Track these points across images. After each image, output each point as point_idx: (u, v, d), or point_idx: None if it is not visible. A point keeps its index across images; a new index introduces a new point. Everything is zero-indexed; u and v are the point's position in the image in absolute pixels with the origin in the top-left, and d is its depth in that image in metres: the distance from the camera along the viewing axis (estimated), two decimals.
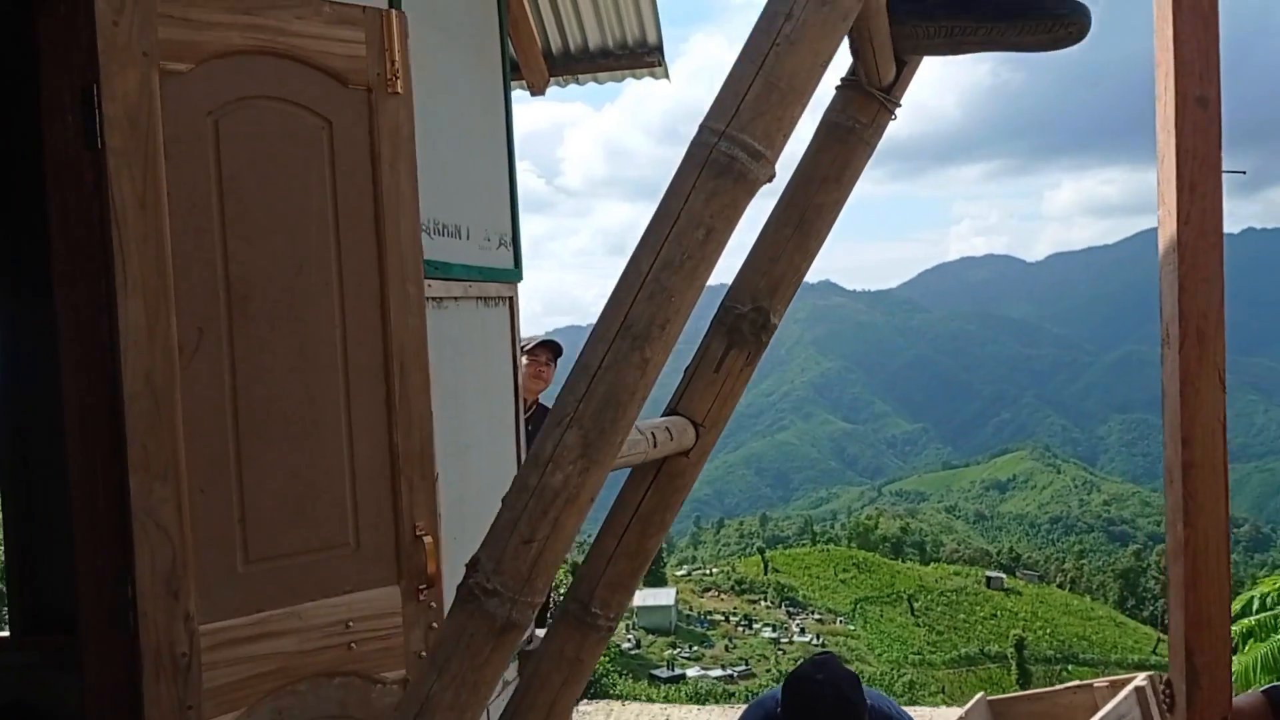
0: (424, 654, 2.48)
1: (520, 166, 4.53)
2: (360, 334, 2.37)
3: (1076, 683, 4.56)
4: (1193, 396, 2.84)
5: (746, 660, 55.65)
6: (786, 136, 1.09)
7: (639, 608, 60.85)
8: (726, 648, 58.02)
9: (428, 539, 2.55)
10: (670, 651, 56.58)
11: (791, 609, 66.07)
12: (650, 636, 58.88)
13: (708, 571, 74.10)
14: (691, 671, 52.89)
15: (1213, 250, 2.87)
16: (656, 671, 51.83)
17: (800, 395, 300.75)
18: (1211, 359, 2.86)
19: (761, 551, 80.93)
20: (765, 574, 71.40)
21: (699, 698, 38.01)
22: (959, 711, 4.68)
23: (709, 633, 60.16)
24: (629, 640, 56.66)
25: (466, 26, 3.96)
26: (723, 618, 62.50)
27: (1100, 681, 4.49)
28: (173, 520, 2.09)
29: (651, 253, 1.05)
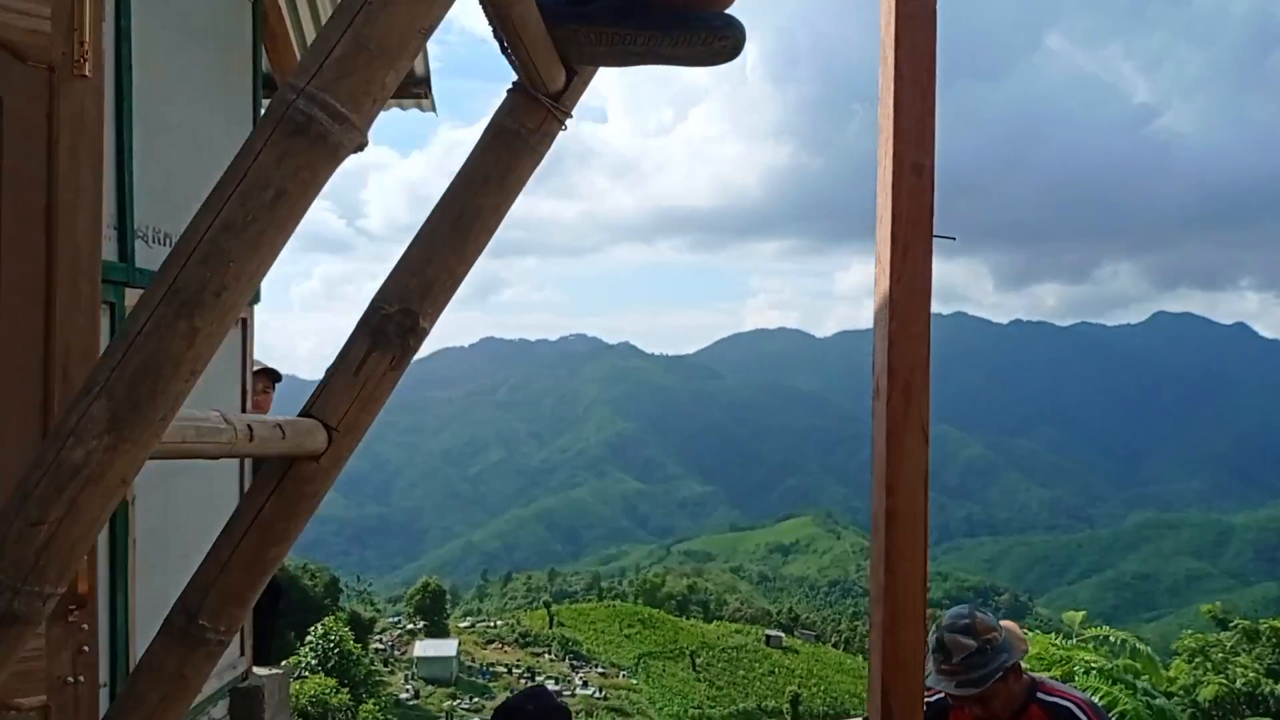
0: (70, 679, 2.25)
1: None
2: (16, 332, 2.16)
3: None
4: (898, 447, 2.95)
5: None
6: (377, 102, 1.03)
7: (419, 658, 59.28)
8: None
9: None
10: (450, 703, 55.19)
11: (576, 662, 65.70)
12: (430, 687, 57.29)
13: (492, 624, 72.88)
14: None
15: (921, 309, 3.00)
16: None
17: (595, 454, 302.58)
18: (917, 412, 2.99)
19: (548, 605, 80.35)
20: (551, 627, 70.88)
21: None
22: None
23: (491, 684, 58.99)
24: (407, 690, 55.00)
25: (212, 33, 3.80)
26: (506, 669, 61.47)
27: None
28: None
29: (211, 213, 0.97)
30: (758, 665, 69.85)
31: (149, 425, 0.92)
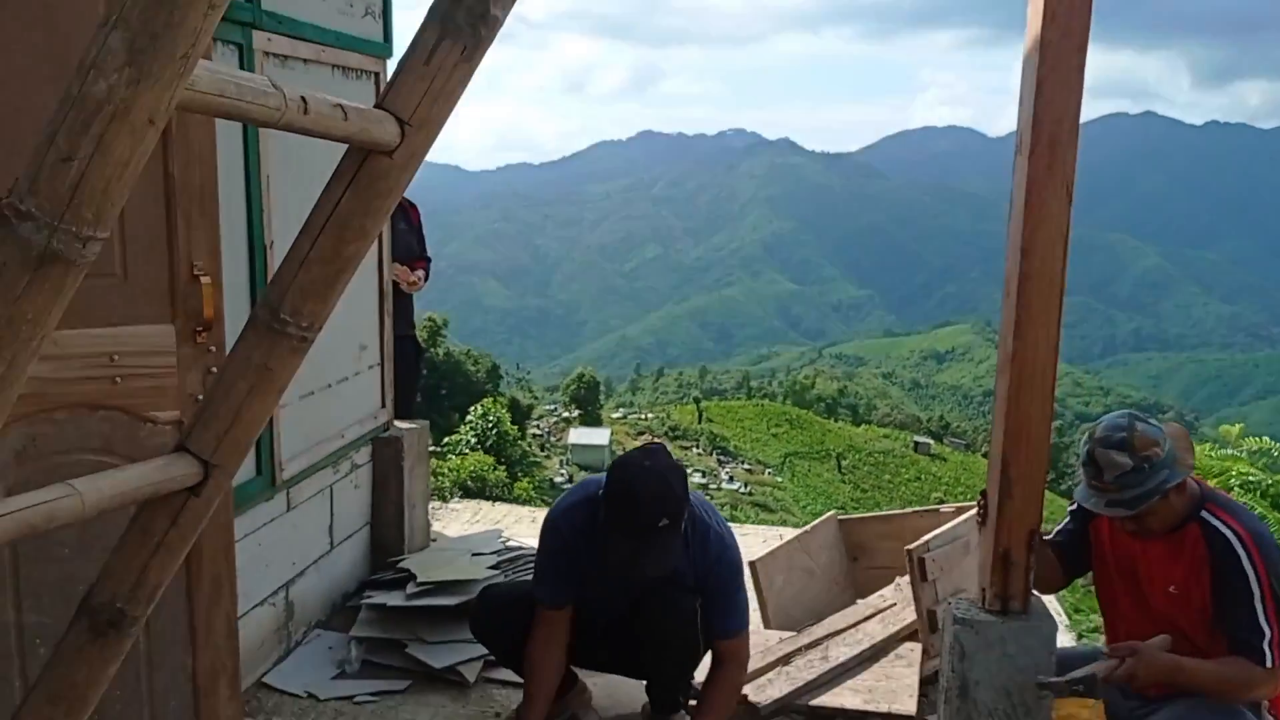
0: (200, 397, 2.37)
1: None
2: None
3: (924, 508, 4.64)
4: (1037, 206, 2.76)
5: None
6: None
7: (573, 445, 61.88)
8: None
9: (205, 280, 2.42)
10: None
11: (722, 457, 67.51)
12: (583, 474, 59.93)
13: (643, 416, 75.21)
14: None
15: (1075, 54, 2.74)
16: None
17: (749, 253, 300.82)
18: (1061, 169, 2.77)
19: (697, 401, 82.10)
20: (700, 422, 72.64)
21: None
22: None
23: None
24: (561, 474, 57.74)
25: None
26: None
27: (947, 507, 4.57)
28: None
29: None
30: (904, 470, 70.34)
31: (169, 60, 0.88)
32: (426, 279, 5.58)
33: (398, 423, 4.94)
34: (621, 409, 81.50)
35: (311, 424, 4.13)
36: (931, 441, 78.11)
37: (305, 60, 3.36)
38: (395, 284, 5.12)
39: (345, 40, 3.66)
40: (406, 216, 5.42)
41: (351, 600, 4.49)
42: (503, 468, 24.76)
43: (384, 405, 4.81)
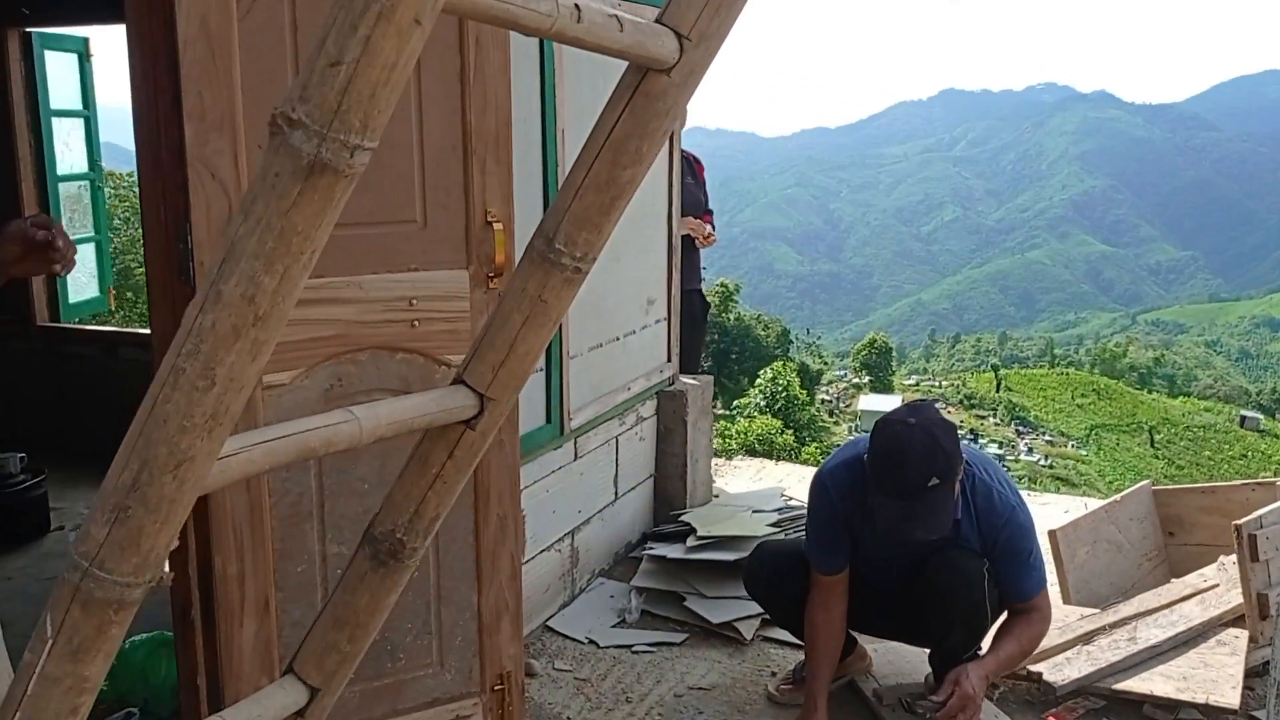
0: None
1: None
2: None
3: (1256, 480, 4.14)
4: None
5: None
6: None
7: (863, 411, 61.01)
8: None
9: (498, 226, 2.46)
10: None
11: (1021, 428, 64.43)
12: None
13: (937, 384, 72.95)
14: None
15: None
16: None
17: (1057, 213, 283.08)
18: None
19: (995, 369, 78.59)
20: (997, 391, 69.59)
21: None
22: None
23: None
24: (850, 435, 57.10)
25: None
26: None
27: None
28: (229, 173, 2.08)
29: None
30: (1227, 447, 64.31)
31: None
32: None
33: (683, 377, 4.96)
34: (914, 375, 79.39)
35: (599, 375, 4.21)
36: (1261, 416, 70.91)
37: None
38: (685, 238, 5.13)
39: None
40: (693, 170, 5.40)
41: (634, 550, 4.57)
42: (790, 432, 24.73)
43: (669, 359, 4.84)
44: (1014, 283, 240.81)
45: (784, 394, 31.55)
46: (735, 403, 29.07)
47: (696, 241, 5.32)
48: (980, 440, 59.69)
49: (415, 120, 2.43)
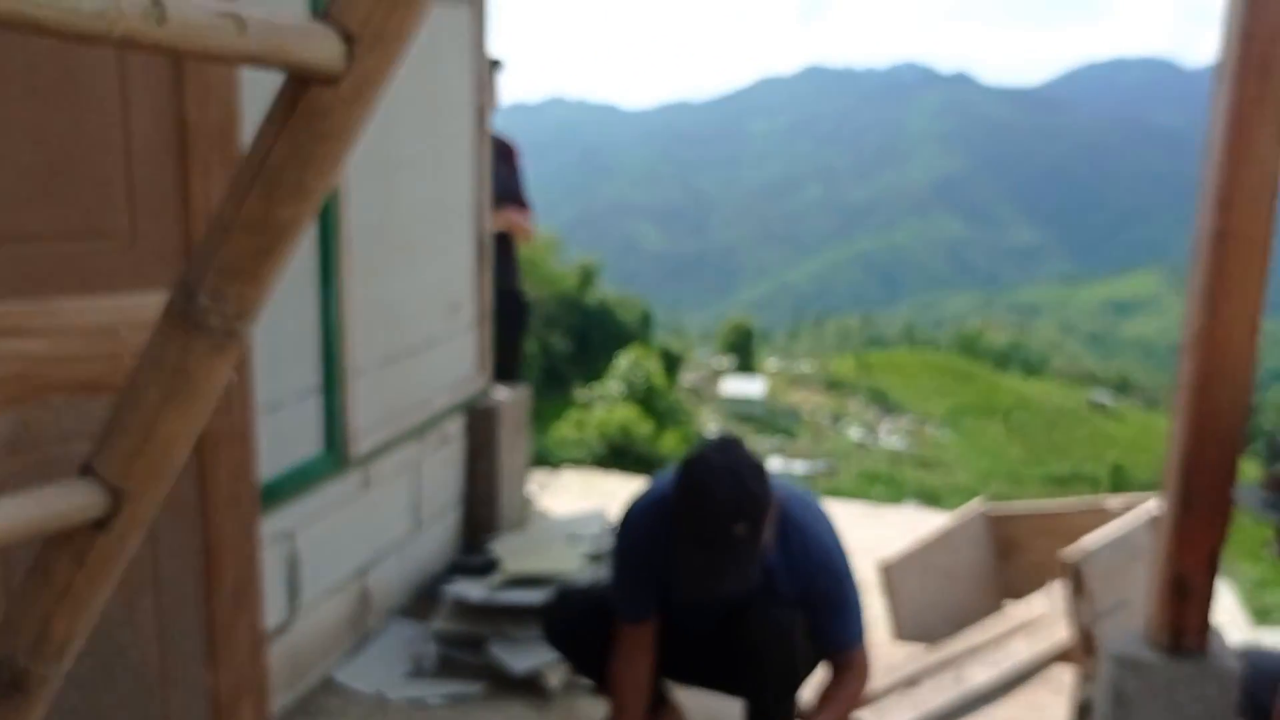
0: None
1: None
2: None
3: (1087, 503, 3.99)
4: (1241, 146, 2.10)
5: (832, 456, 55.94)
6: None
7: (727, 396, 61.57)
8: (812, 442, 58.32)
9: None
10: (754, 440, 57.17)
11: (883, 411, 65.89)
12: (735, 426, 59.45)
13: (801, 366, 74.01)
14: (774, 463, 53.54)
15: None
16: None
17: (919, 194, 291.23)
18: (1273, 100, 2.09)
19: (858, 351, 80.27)
20: (860, 374, 71.03)
21: None
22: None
23: (795, 426, 60.45)
24: (712, 427, 57.45)
25: None
26: (810, 413, 62.60)
27: (1114, 501, 3.93)
28: None
29: None
30: (1079, 429, 67.01)
31: None
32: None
33: (499, 388, 4.55)
34: (778, 358, 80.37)
35: (393, 392, 3.77)
36: (1110, 399, 74.21)
37: None
38: (501, 235, 4.70)
39: None
40: (505, 159, 4.89)
41: (442, 581, 4.15)
42: (651, 419, 24.55)
43: (481, 370, 4.42)
44: (877, 263, 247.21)
45: (644, 381, 31.37)
46: (595, 388, 28.68)
47: (519, 237, 4.91)
48: (842, 420, 60.93)
49: (119, 112, 2.07)
